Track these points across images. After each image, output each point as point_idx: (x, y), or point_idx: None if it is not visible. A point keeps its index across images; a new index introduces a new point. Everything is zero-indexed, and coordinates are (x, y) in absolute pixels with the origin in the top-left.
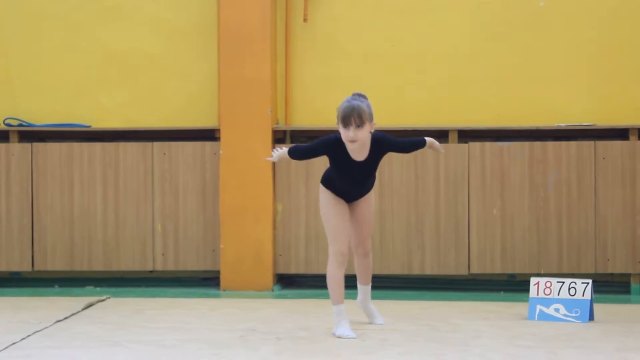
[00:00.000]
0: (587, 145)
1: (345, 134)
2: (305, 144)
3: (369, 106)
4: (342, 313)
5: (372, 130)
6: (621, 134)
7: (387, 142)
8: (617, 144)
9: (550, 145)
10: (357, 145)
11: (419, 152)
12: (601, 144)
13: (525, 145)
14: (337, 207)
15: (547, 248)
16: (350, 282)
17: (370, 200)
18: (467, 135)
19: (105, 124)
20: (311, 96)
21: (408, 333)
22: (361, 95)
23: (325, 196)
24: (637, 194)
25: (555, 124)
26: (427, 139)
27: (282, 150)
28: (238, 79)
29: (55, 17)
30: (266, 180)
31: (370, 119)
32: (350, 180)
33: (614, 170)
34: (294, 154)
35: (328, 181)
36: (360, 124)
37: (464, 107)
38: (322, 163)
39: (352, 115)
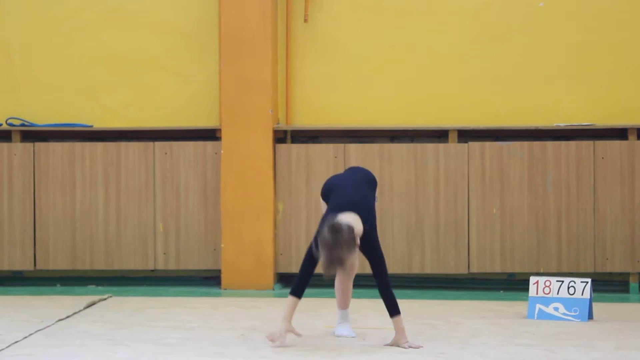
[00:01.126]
0: (586, 144)
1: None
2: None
3: (347, 241)
4: (345, 316)
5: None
6: (620, 133)
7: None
8: (616, 144)
9: (550, 144)
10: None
11: (418, 151)
12: (600, 143)
13: (525, 144)
14: None
15: (546, 247)
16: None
17: None
18: (466, 135)
19: (107, 124)
20: (312, 96)
21: (408, 331)
22: (337, 231)
23: None
24: (636, 193)
25: (555, 124)
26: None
27: (285, 324)
28: (239, 79)
29: (57, 18)
30: (267, 180)
31: (352, 251)
32: None
33: (612, 169)
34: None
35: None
36: (343, 266)
37: (463, 107)
38: (322, 165)
39: (333, 265)
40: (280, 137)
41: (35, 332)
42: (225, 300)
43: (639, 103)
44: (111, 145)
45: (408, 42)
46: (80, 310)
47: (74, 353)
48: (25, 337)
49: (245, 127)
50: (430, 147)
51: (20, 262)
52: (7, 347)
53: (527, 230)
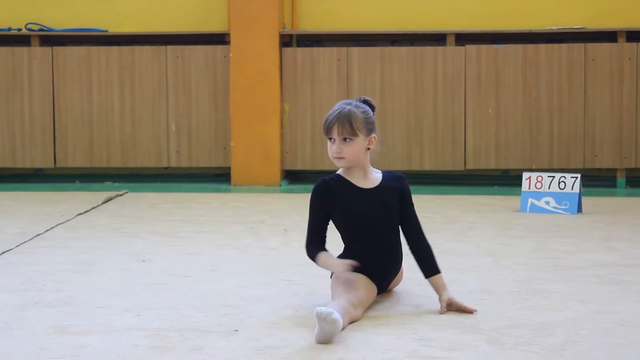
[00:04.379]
0: (577, 47)
1: (330, 148)
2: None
3: (366, 114)
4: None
5: (371, 147)
6: (610, 36)
7: (406, 185)
8: (606, 46)
9: (543, 47)
10: (344, 163)
11: (418, 54)
12: (591, 46)
13: (519, 47)
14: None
15: (538, 145)
16: None
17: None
18: (464, 39)
19: (121, 29)
20: (316, 1)
21: None
22: (365, 101)
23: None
24: (624, 94)
25: (547, 27)
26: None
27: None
28: None
29: None
30: (274, 82)
31: (367, 130)
32: (368, 227)
33: (602, 71)
34: (312, 252)
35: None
36: (349, 135)
37: (461, 10)
38: (326, 67)
39: (338, 122)
40: (286, 41)
41: (56, 225)
42: (234, 195)
43: (628, 6)
44: (125, 49)
45: None
46: (98, 205)
47: (93, 245)
48: (47, 230)
49: (253, 31)
50: (429, 50)
51: (41, 160)
52: (30, 239)
53: (521, 129)
